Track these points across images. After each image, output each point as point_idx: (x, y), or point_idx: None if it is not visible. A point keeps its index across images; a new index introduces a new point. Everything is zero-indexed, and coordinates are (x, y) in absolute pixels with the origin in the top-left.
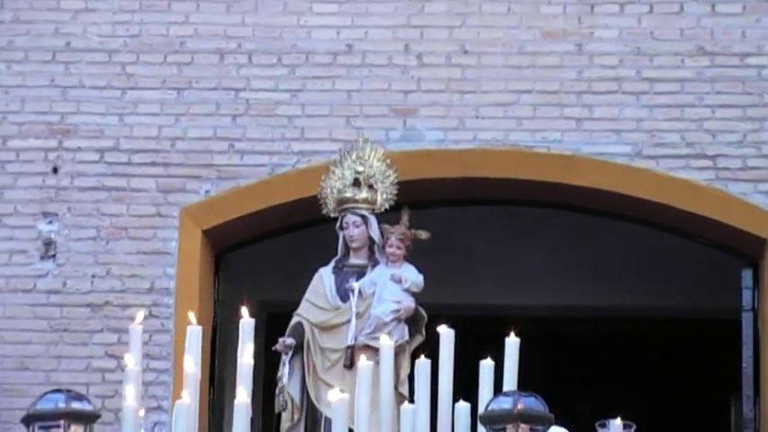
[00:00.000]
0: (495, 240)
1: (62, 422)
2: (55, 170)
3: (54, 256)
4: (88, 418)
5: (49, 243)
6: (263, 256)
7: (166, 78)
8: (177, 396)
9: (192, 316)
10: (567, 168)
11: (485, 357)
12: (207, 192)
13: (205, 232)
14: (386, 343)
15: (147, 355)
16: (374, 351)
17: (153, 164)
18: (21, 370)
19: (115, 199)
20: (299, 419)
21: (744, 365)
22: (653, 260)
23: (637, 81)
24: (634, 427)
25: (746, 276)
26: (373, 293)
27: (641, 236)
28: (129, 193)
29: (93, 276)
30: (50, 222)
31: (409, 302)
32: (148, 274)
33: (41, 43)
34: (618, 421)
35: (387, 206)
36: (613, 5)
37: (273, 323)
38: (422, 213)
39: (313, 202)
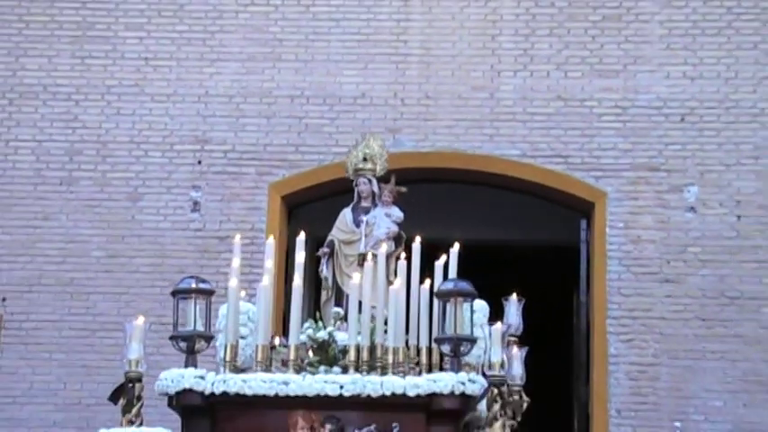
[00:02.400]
0: (443, 202)
1: (193, 295)
2: (199, 162)
3: (198, 210)
4: (208, 293)
5: (195, 203)
6: (316, 211)
7: (260, 111)
8: None
9: (271, 238)
10: (484, 162)
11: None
12: (283, 174)
13: (282, 197)
14: (382, 251)
15: (249, 265)
16: (375, 256)
17: (253, 159)
18: (179, 273)
19: (232, 178)
20: (332, 295)
21: (581, 273)
22: (530, 214)
23: (522, 114)
24: (524, 300)
25: (583, 223)
26: (374, 223)
27: (524, 201)
28: (240, 175)
29: (220, 221)
30: (197, 191)
31: (395, 228)
32: (250, 220)
33: (192, 91)
34: (514, 296)
35: (382, 173)
36: (510, 72)
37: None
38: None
39: (344, 181)
